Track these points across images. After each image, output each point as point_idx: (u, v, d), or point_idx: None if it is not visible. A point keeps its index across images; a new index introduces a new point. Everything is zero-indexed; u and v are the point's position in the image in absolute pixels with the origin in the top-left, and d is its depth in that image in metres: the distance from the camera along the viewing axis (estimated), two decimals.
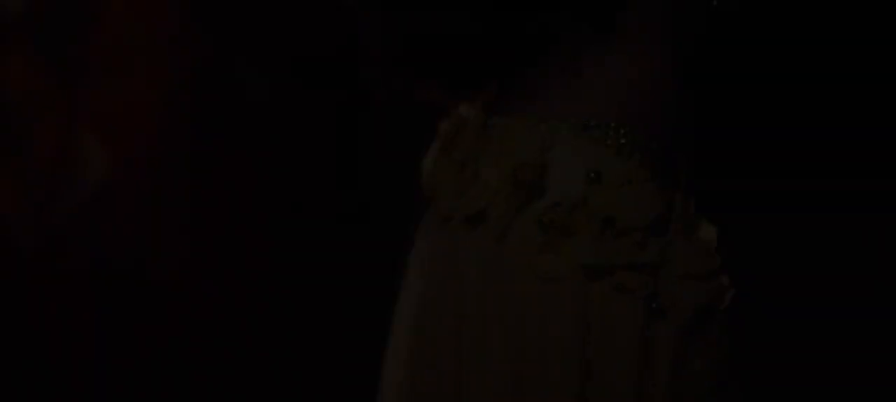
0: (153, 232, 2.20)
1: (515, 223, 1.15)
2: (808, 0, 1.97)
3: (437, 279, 1.21)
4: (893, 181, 2.02)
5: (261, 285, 2.36)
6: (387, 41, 1.26)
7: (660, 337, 1.15)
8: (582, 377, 1.14)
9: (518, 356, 1.16)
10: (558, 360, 1.14)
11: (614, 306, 1.15)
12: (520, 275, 1.15)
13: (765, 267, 1.82)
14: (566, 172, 1.16)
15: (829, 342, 1.94)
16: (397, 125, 1.46)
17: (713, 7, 1.21)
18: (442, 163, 1.24)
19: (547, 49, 1.21)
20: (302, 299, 2.43)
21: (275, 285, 2.38)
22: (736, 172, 1.84)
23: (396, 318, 1.27)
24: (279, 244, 2.41)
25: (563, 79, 1.18)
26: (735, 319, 1.23)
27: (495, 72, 1.24)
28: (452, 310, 1.19)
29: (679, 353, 1.15)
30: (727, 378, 1.18)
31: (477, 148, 1.21)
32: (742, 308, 1.23)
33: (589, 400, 1.14)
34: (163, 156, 2.20)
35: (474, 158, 1.20)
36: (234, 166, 2.34)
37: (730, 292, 1.18)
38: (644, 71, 1.19)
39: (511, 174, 1.16)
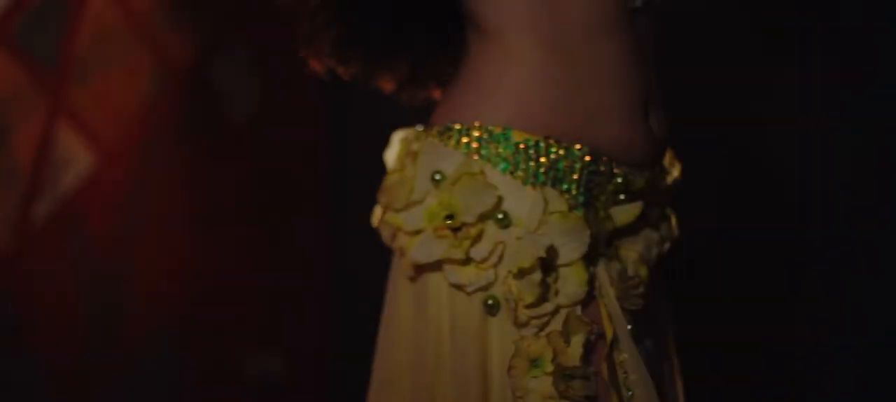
0: (136, 231, 2.18)
1: (386, 228, 1.26)
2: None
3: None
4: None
5: (244, 286, 2.36)
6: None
7: (494, 332, 1.22)
8: (434, 369, 1.21)
9: (390, 346, 1.31)
10: (418, 352, 1.22)
11: (457, 301, 1.23)
12: (396, 273, 1.25)
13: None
14: (421, 173, 1.27)
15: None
16: (384, 130, 1.52)
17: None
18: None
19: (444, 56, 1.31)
20: (287, 302, 2.44)
21: (259, 286, 2.38)
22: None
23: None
24: (264, 245, 2.41)
25: (449, 90, 1.27)
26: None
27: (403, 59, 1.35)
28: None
29: (510, 349, 1.20)
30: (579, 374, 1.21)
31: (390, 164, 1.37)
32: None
33: (438, 391, 1.21)
34: (145, 154, 2.19)
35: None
36: (217, 165, 2.34)
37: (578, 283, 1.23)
38: (512, 73, 1.25)
39: (388, 185, 1.27)
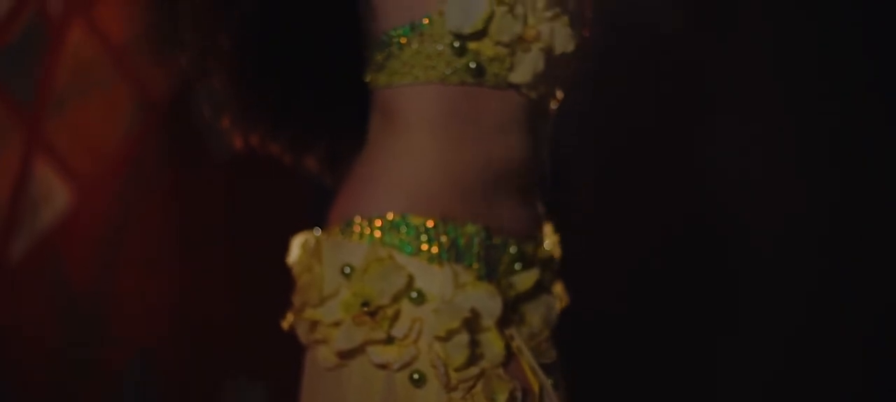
0: (115, 263, 2.16)
1: (302, 325, 1.28)
2: None
3: None
4: None
5: (226, 317, 2.34)
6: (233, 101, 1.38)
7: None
8: None
9: None
10: None
11: (377, 382, 1.28)
12: (316, 370, 1.26)
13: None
14: (329, 270, 1.34)
15: None
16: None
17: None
18: None
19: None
20: (269, 335, 2.41)
21: (242, 317, 2.36)
22: None
23: None
24: (245, 275, 2.39)
25: (345, 187, 1.31)
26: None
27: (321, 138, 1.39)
28: None
29: None
30: None
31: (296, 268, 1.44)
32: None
33: None
34: (124, 190, 2.17)
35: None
36: (197, 196, 2.32)
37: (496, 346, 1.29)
38: (411, 163, 1.29)
39: (299, 286, 1.30)
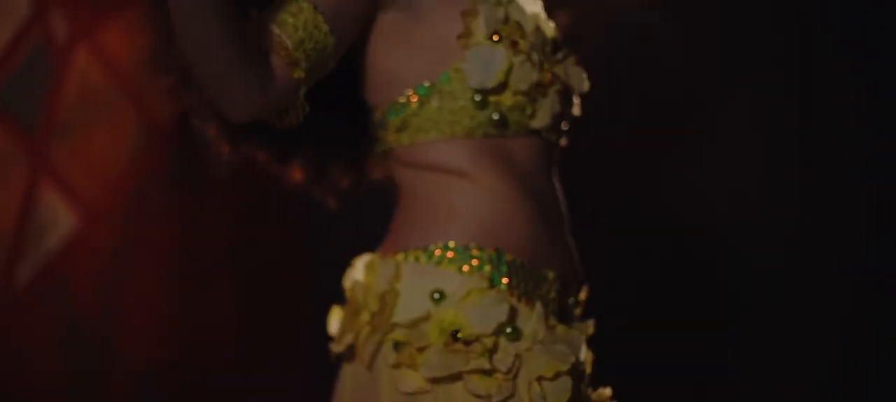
0: (119, 287, 2.17)
1: (379, 349, 1.25)
2: None
3: None
4: None
5: (230, 340, 2.34)
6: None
7: None
8: None
9: None
10: None
11: None
12: (388, 394, 1.23)
13: None
14: (414, 295, 1.29)
15: None
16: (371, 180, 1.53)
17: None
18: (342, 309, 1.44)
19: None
20: (273, 358, 2.43)
21: (245, 339, 2.36)
22: None
23: None
24: (249, 298, 2.40)
25: (410, 213, 1.29)
26: None
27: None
28: None
29: None
30: None
31: (359, 288, 1.40)
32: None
33: None
34: (130, 214, 2.18)
35: (358, 298, 1.40)
36: (201, 220, 2.32)
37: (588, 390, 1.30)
38: (483, 195, 1.27)
39: (370, 306, 1.27)
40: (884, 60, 2.24)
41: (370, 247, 1.49)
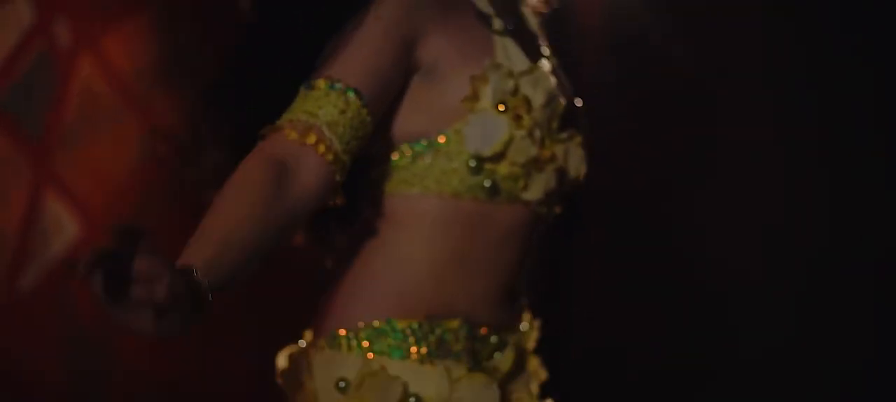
0: None
1: None
2: None
3: None
4: None
5: (231, 356, 2.34)
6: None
7: None
8: None
9: None
10: None
11: None
12: None
13: None
14: (326, 389, 1.35)
15: None
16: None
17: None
18: None
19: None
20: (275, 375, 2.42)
21: (248, 349, 2.36)
22: None
23: None
24: (252, 307, 2.39)
25: (327, 296, 1.31)
26: None
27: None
28: None
29: None
30: None
31: (288, 380, 1.45)
32: None
33: None
34: (132, 218, 2.18)
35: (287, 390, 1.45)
36: None
37: None
38: (397, 269, 1.28)
39: None
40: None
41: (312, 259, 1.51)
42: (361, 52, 1.27)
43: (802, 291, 2.33)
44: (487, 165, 1.32)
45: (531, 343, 1.47)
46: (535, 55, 1.40)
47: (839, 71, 2.28)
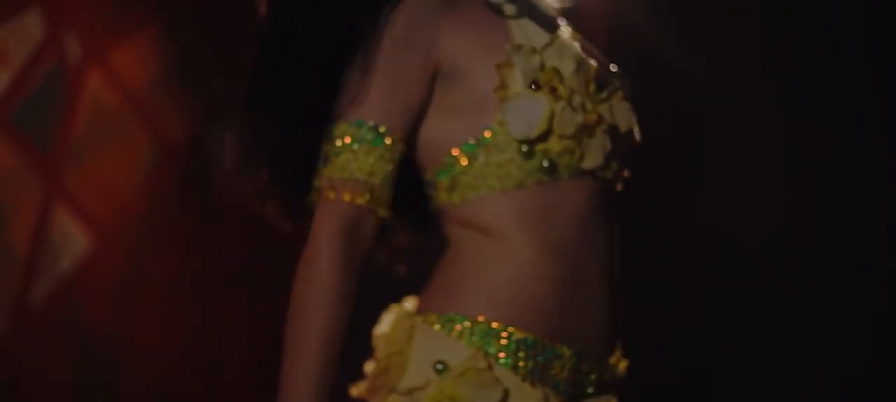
0: (131, 306, 2.18)
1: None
2: None
3: None
4: None
5: (241, 364, 2.34)
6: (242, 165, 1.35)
7: None
8: None
9: None
10: None
11: None
12: None
13: None
14: (420, 363, 1.32)
15: None
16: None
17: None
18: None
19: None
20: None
21: (254, 360, 2.36)
22: None
23: None
24: (260, 319, 2.40)
25: (442, 277, 1.28)
26: None
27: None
28: None
29: None
30: None
31: (380, 341, 1.41)
32: None
33: None
34: (141, 233, 2.19)
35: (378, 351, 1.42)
36: (211, 241, 2.33)
37: None
38: (506, 268, 1.27)
39: (381, 364, 1.27)
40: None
41: (382, 268, 1.49)
42: (386, 83, 1.28)
43: (803, 292, 2.33)
44: (539, 147, 1.30)
45: (622, 381, 1.45)
46: (552, 27, 1.39)
47: (839, 71, 2.29)
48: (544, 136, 1.30)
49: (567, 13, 1.48)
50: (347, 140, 1.27)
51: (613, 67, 1.42)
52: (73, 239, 2.08)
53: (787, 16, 2.30)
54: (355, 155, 1.26)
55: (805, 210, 2.34)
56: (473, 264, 1.33)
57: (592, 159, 1.33)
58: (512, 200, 1.31)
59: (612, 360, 1.41)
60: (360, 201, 1.25)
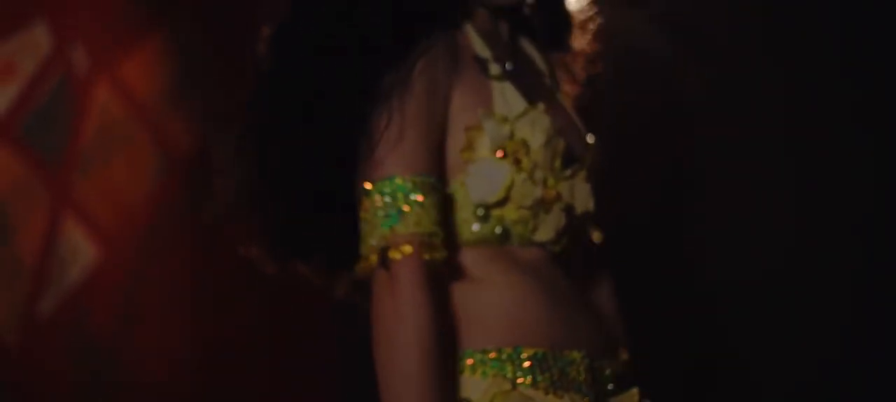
0: (139, 322, 2.18)
1: None
2: None
3: None
4: None
5: (249, 374, 2.35)
6: (265, 224, 1.35)
7: None
8: None
9: None
10: None
11: None
12: None
13: None
14: None
15: None
16: None
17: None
18: None
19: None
20: (295, 381, 2.43)
21: (265, 369, 2.37)
22: None
23: None
24: (267, 328, 2.40)
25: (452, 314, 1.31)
26: None
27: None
28: None
29: None
30: None
31: None
32: None
33: None
34: (149, 243, 2.20)
35: None
36: (219, 254, 2.34)
37: None
38: (495, 297, 1.32)
39: None
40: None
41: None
42: (427, 134, 1.28)
43: (805, 291, 2.34)
44: (495, 212, 1.33)
45: (631, 367, 1.48)
46: (536, 94, 1.41)
47: (840, 70, 2.31)
48: (501, 202, 1.33)
49: (560, 66, 1.49)
50: (420, 198, 1.27)
51: (590, 138, 1.44)
52: (80, 249, 2.09)
53: (786, 15, 2.32)
54: (426, 211, 1.26)
55: (807, 212, 2.35)
56: (459, 306, 1.34)
57: (544, 234, 1.35)
58: (470, 254, 1.33)
59: (621, 355, 1.44)
60: (437, 255, 1.26)
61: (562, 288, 1.37)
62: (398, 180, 1.26)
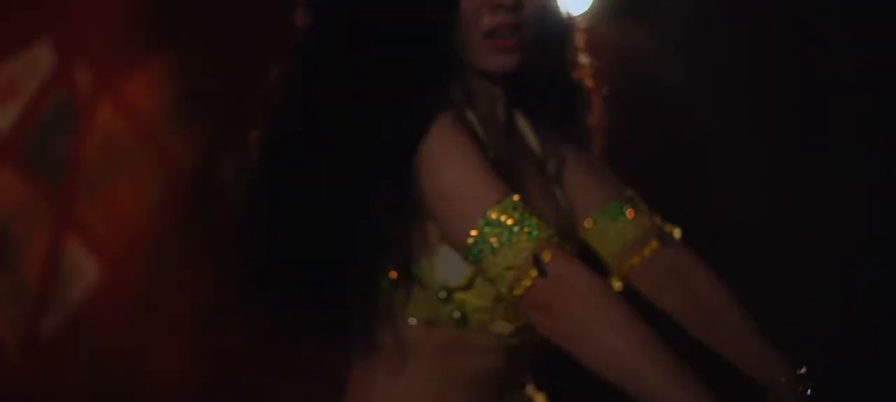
0: (143, 339, 2.18)
1: None
2: None
3: None
4: None
5: (251, 388, 2.35)
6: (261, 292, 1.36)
7: None
8: None
9: None
10: None
11: None
12: None
13: None
14: None
15: None
16: None
17: None
18: None
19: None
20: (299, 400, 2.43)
21: (269, 387, 2.37)
22: None
23: None
24: (269, 349, 2.40)
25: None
26: None
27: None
28: None
29: None
30: None
31: None
32: None
33: None
34: (152, 261, 2.20)
35: None
36: (223, 272, 2.34)
37: None
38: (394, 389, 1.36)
39: None
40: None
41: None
42: (476, 171, 1.28)
43: (804, 292, 2.35)
44: (457, 296, 1.33)
45: None
46: (520, 180, 1.40)
47: (840, 71, 2.31)
48: (465, 288, 1.32)
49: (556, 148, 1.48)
50: (527, 212, 1.27)
51: (571, 226, 1.44)
52: (83, 268, 2.09)
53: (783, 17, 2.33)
54: (531, 216, 1.27)
55: (809, 213, 2.35)
56: (385, 383, 1.36)
57: (502, 327, 1.35)
58: (425, 331, 1.34)
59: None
60: (566, 245, 1.29)
61: (501, 384, 1.38)
62: (492, 214, 1.25)
